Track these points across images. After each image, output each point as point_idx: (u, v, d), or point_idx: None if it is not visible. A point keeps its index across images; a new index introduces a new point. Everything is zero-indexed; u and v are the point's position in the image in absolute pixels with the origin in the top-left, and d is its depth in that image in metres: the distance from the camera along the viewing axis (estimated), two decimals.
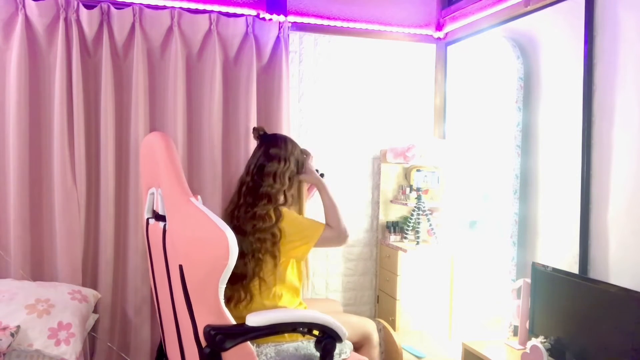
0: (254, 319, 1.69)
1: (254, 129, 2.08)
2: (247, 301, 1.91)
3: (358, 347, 2.12)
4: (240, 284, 1.90)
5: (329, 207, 2.04)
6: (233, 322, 1.64)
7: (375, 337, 2.17)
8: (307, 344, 1.87)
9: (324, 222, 2.01)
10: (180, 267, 1.64)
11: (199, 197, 1.98)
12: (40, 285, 2.32)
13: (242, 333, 1.66)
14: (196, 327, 1.62)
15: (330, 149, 3.09)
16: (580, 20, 2.23)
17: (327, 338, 1.78)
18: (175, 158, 1.73)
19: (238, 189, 2.02)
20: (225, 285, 1.60)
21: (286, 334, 1.85)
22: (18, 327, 2.04)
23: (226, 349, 1.60)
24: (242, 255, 1.88)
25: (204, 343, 1.60)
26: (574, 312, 2.04)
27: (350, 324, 2.08)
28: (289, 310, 1.93)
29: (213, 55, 2.71)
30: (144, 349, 2.70)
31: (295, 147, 2.05)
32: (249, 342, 1.68)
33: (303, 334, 1.83)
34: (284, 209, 1.97)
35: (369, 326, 2.17)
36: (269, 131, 2.75)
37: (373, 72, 3.16)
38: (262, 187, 1.94)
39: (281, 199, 1.99)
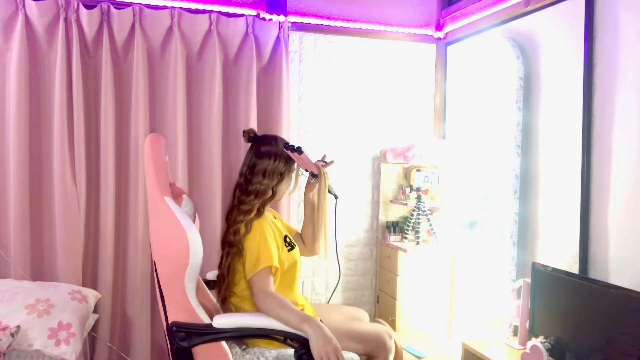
0: (219, 321, 1.67)
1: (244, 131, 2.04)
2: (229, 300, 1.91)
3: (370, 357, 2.00)
4: (222, 282, 1.90)
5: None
6: (206, 321, 1.64)
7: (388, 347, 2.00)
8: (291, 353, 1.78)
9: (271, 265, 1.81)
10: (154, 263, 1.66)
11: (184, 196, 1.96)
12: (40, 285, 2.32)
13: (206, 333, 1.65)
14: (168, 323, 1.66)
15: (330, 149, 3.09)
16: (580, 20, 2.23)
17: (302, 349, 1.67)
18: (158, 157, 1.74)
19: (233, 192, 2.02)
20: (193, 284, 1.62)
21: (275, 341, 1.79)
22: (18, 327, 2.04)
23: (185, 347, 1.62)
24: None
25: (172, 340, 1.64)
26: (574, 312, 2.04)
27: (356, 335, 1.95)
28: (260, 315, 1.79)
29: (213, 55, 2.71)
30: (144, 349, 2.70)
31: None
32: (223, 343, 1.67)
33: (286, 343, 1.74)
34: (267, 216, 1.92)
35: (383, 337, 1.99)
36: (269, 131, 2.77)
37: (373, 72, 3.16)
38: (252, 185, 1.94)
39: (269, 193, 1.98)
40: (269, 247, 1.82)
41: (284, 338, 1.73)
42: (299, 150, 1.93)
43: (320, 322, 1.64)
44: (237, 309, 1.92)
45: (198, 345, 1.63)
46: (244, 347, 1.86)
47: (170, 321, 1.64)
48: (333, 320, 2.01)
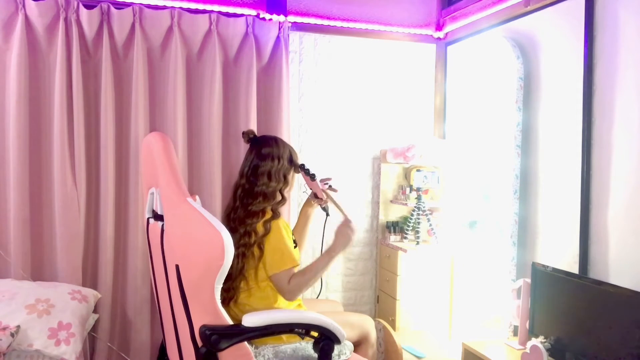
0: (250, 319, 1.69)
1: (244, 132, 2.05)
2: (234, 300, 1.92)
3: (356, 345, 2.12)
4: (229, 282, 1.91)
5: (316, 268, 1.90)
6: (230, 322, 1.64)
7: (373, 335, 2.16)
8: (305, 345, 1.86)
9: (296, 266, 1.91)
10: (177, 267, 1.64)
11: (196, 197, 1.98)
12: (40, 285, 2.32)
13: (237, 334, 1.65)
14: (192, 327, 1.63)
15: (330, 149, 3.09)
16: (580, 20, 2.23)
17: (324, 339, 1.76)
18: (173, 158, 1.73)
19: (233, 193, 2.01)
20: (221, 286, 1.60)
21: (283, 336, 1.84)
22: (18, 327, 2.04)
23: (221, 349, 1.60)
24: None
25: (200, 343, 1.61)
26: (574, 312, 2.04)
27: (349, 323, 2.07)
28: (286, 310, 1.92)
29: (213, 55, 2.71)
30: (144, 349, 2.70)
31: (286, 147, 2.04)
32: (245, 343, 1.67)
33: (301, 335, 1.82)
34: (282, 219, 1.97)
35: (368, 324, 2.17)
36: (269, 131, 2.77)
37: (373, 72, 3.16)
38: (257, 187, 1.94)
39: (278, 196, 1.99)
40: (290, 248, 1.91)
41: (305, 331, 1.79)
42: (312, 177, 1.99)
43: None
44: (243, 307, 1.92)
45: (230, 347, 1.62)
46: (253, 345, 1.86)
47: (198, 325, 1.61)
48: (324, 312, 2.04)
